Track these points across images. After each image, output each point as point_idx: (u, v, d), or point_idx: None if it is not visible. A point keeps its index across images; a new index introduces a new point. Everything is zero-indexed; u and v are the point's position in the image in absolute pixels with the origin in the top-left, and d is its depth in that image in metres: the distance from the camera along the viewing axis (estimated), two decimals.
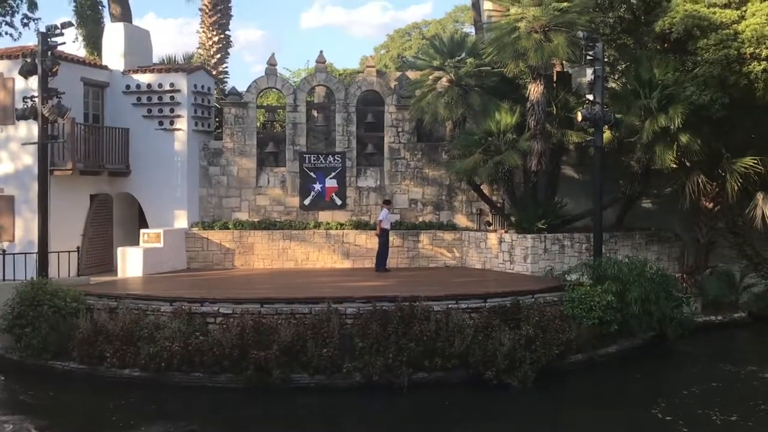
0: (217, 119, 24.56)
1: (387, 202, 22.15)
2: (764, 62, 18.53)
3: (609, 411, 14.15)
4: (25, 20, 30.22)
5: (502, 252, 21.56)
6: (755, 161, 20.09)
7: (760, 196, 20.64)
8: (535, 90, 20.77)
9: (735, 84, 19.11)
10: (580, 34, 19.43)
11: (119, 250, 21.34)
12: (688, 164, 20.73)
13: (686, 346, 18.57)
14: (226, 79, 31.11)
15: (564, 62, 22.61)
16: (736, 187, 20.22)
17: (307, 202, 23.40)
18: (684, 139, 19.49)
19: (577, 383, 15.85)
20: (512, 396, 14.79)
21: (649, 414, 13.65)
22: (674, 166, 20.19)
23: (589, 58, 19.27)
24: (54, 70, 18.48)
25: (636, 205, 22.96)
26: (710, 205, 21.71)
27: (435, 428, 13.54)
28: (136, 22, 31.23)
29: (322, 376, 15.03)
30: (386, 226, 21.55)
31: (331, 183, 23.41)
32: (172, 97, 22.75)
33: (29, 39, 38.51)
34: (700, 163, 20.56)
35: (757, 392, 15.21)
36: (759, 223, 20.57)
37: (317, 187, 23.39)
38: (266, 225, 23.05)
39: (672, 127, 19.38)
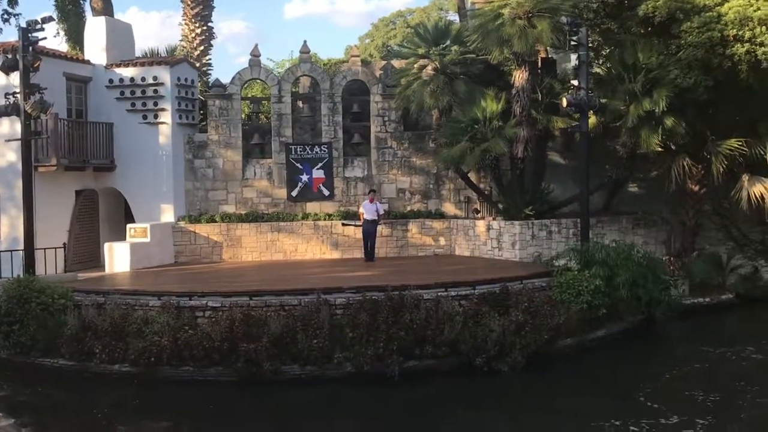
0: (201, 112, 24.40)
1: (371, 192, 22.02)
2: (747, 44, 18.57)
3: (596, 396, 14.24)
4: (6, 16, 29.99)
5: (490, 239, 21.60)
6: (740, 143, 20.18)
7: (745, 177, 20.76)
8: (520, 76, 20.78)
9: (719, 66, 19.14)
10: (564, 19, 19.38)
11: (106, 245, 21.22)
12: (673, 147, 20.78)
13: (674, 329, 18.74)
14: (209, 72, 31.02)
15: (548, 48, 22.58)
16: (721, 169, 20.29)
17: (294, 193, 23.33)
18: (669, 122, 19.54)
19: (566, 368, 15.93)
20: (503, 382, 14.88)
21: (634, 397, 13.74)
22: (660, 149, 20.23)
23: (573, 43, 19.24)
24: (35, 65, 18.30)
25: (622, 190, 23.04)
26: (696, 188, 21.80)
27: (426, 416, 13.56)
28: (119, 16, 31.09)
29: (312, 367, 15.04)
30: (367, 216, 21.27)
31: (318, 174, 23.34)
32: (155, 91, 22.59)
33: (10, 35, 38.07)
34: (686, 146, 20.60)
35: (742, 372, 15.37)
36: (745, 205, 20.70)
37: (304, 178, 23.32)
38: (254, 217, 22.97)
39: (657, 110, 19.42)
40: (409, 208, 23.45)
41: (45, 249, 19.64)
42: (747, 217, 21.94)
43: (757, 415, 13.04)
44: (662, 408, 13.12)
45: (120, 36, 23.76)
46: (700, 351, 17.10)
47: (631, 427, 12.24)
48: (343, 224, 22.43)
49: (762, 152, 20.41)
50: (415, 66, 22.35)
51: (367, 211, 21.23)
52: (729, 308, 21.14)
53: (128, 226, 21.86)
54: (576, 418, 13.05)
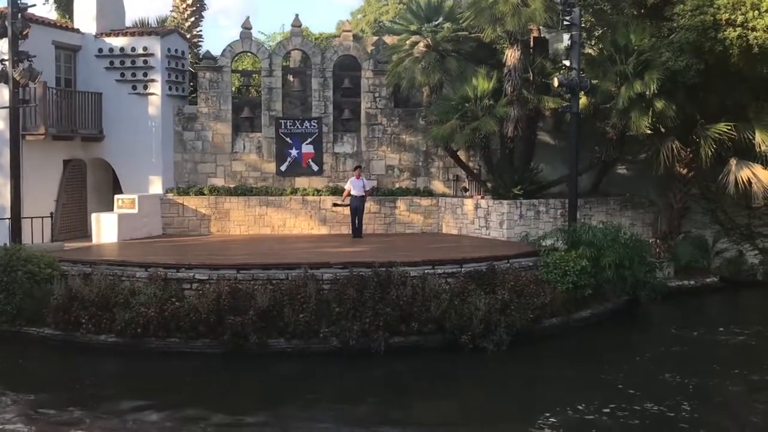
0: (191, 84, 24.26)
1: (357, 168, 21.97)
2: (739, 28, 18.56)
3: (575, 378, 14.27)
4: None
5: (478, 218, 21.65)
6: (729, 127, 20.24)
7: (733, 162, 20.84)
8: (512, 55, 20.75)
9: (710, 50, 19.16)
10: None
11: (93, 215, 21.17)
12: (662, 130, 20.85)
13: (659, 311, 18.89)
14: (200, 43, 30.77)
15: (541, 27, 22.53)
16: (709, 153, 20.36)
17: (283, 168, 23.27)
18: (659, 105, 19.59)
19: (549, 348, 16.04)
20: (487, 360, 14.96)
21: (612, 380, 13.80)
22: (649, 132, 20.32)
23: (565, 23, 19.14)
24: (24, 33, 18.09)
25: (611, 171, 23.09)
26: (684, 171, 21.90)
27: (411, 392, 13.65)
28: None
29: (299, 340, 15.10)
30: (355, 192, 21.25)
31: (307, 149, 23.28)
32: (145, 61, 22.42)
33: None
34: (675, 129, 20.67)
35: (722, 355, 15.53)
36: (731, 189, 20.77)
37: (293, 152, 23.25)
38: (242, 191, 22.91)
39: (647, 92, 19.45)
40: (397, 185, 23.46)
41: (32, 218, 19.59)
42: (733, 201, 22.10)
43: (733, 400, 13.16)
44: (638, 392, 13.08)
45: (110, 5, 23.49)
46: (682, 333, 17.25)
47: (604, 409, 12.29)
48: (334, 205, 22.35)
49: (750, 137, 20.49)
50: (407, 42, 22.30)
51: (354, 187, 21.25)
52: (713, 291, 21.31)
53: (116, 196, 21.80)
54: (551, 398, 13.07)
